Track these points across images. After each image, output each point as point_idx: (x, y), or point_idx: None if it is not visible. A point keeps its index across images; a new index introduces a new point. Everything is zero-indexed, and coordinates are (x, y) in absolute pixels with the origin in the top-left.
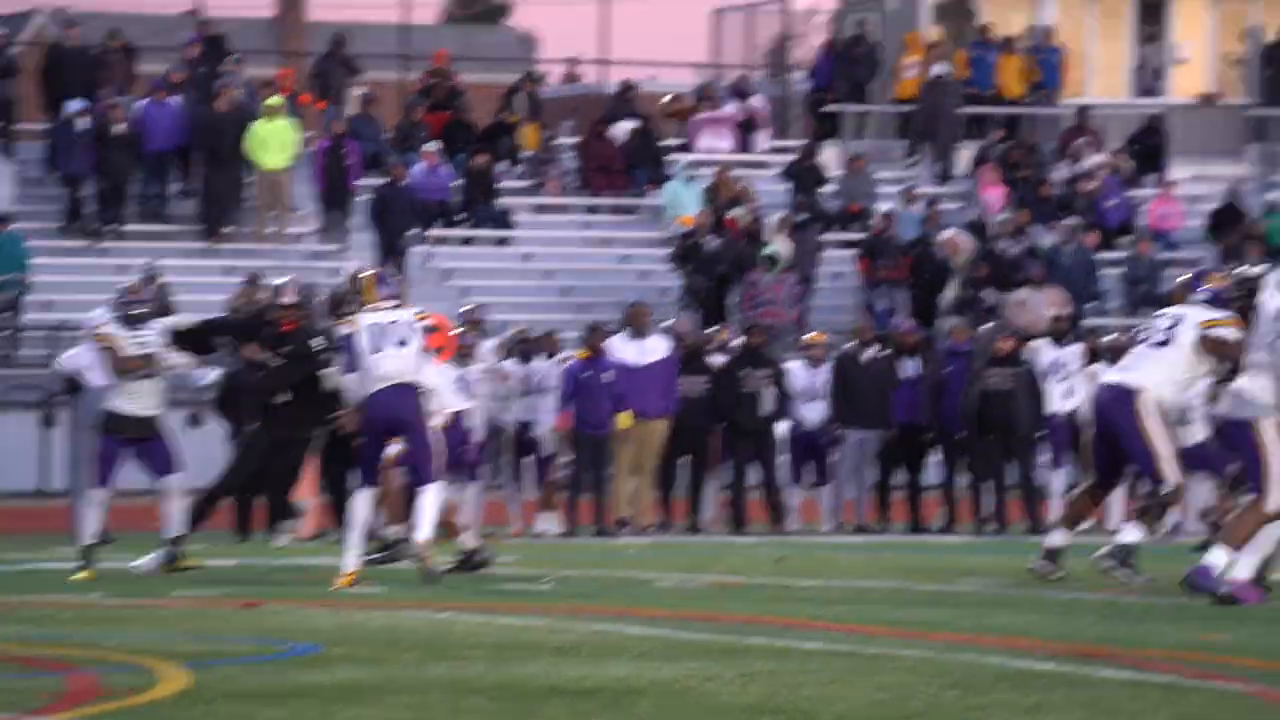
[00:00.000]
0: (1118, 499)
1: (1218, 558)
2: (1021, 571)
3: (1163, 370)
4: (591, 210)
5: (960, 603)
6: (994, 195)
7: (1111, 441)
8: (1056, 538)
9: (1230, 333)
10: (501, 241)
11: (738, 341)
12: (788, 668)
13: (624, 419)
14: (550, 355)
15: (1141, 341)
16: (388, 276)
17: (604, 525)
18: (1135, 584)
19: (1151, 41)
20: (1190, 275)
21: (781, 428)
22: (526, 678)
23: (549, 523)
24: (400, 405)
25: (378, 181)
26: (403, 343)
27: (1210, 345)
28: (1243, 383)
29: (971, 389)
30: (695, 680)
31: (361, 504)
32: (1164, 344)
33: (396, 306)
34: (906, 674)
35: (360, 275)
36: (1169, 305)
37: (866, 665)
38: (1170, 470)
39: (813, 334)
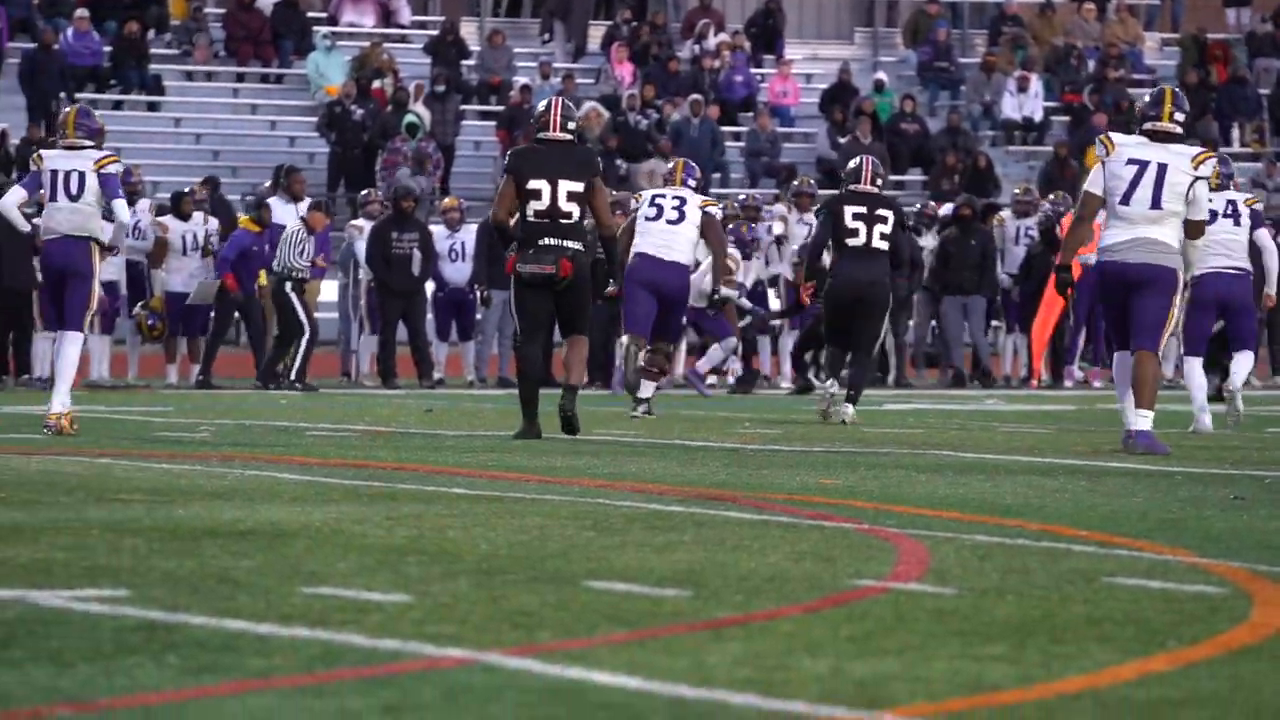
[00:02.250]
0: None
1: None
2: (656, 424)
3: None
4: (239, 78)
5: (598, 452)
6: (624, 71)
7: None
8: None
9: None
10: (152, 107)
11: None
12: (434, 511)
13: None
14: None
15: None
16: (89, 112)
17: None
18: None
19: None
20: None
21: (428, 287)
22: (183, 520)
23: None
24: (72, 254)
25: (27, 45)
26: (79, 192)
27: None
28: None
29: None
30: (346, 523)
31: (70, 347)
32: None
33: (88, 148)
34: (545, 517)
35: (65, 109)
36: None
37: (508, 509)
38: None
39: (448, 199)
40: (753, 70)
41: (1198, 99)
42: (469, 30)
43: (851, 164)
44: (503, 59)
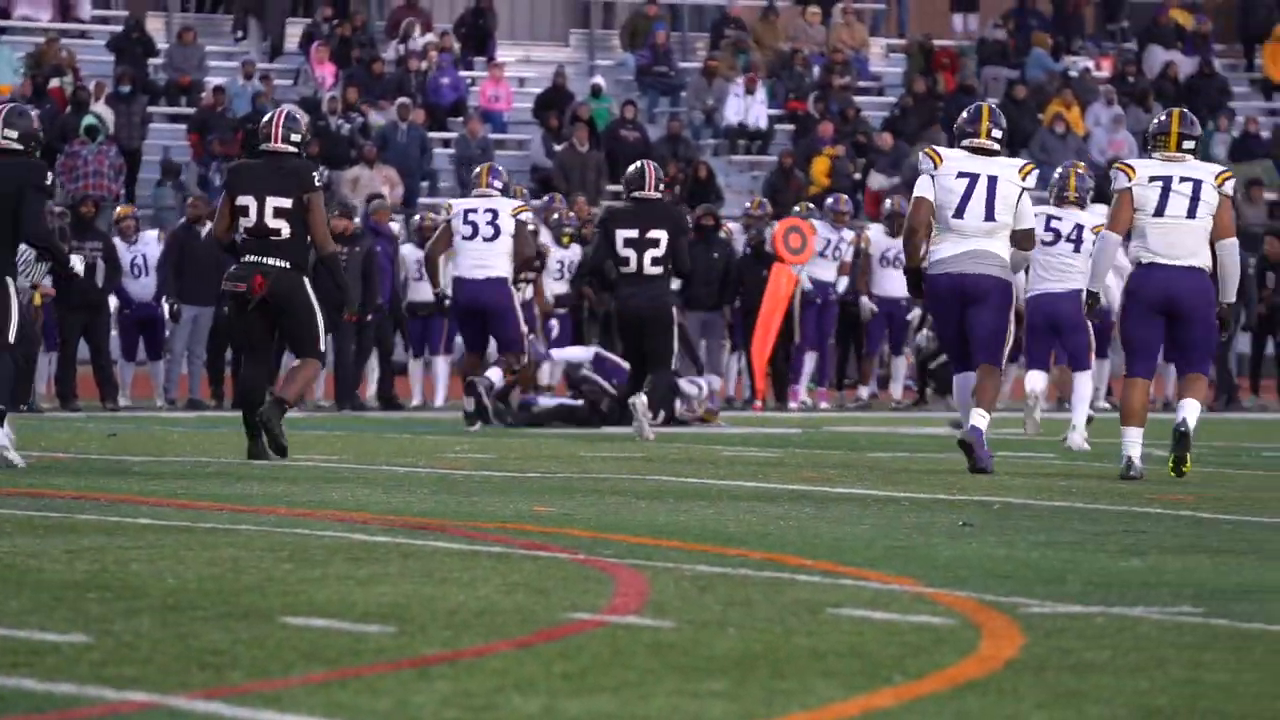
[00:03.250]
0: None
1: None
2: (362, 448)
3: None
4: None
5: (296, 478)
6: (325, 72)
7: None
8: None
9: None
10: None
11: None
12: (117, 543)
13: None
14: None
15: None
16: None
17: None
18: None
19: None
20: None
21: (112, 304)
22: None
23: None
24: None
25: None
26: None
27: None
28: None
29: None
30: (19, 557)
31: None
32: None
33: None
34: (240, 549)
35: None
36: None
37: (198, 540)
38: None
39: (121, 207)
40: (462, 73)
41: (925, 108)
42: (156, 26)
43: (631, 169)
44: (193, 58)
